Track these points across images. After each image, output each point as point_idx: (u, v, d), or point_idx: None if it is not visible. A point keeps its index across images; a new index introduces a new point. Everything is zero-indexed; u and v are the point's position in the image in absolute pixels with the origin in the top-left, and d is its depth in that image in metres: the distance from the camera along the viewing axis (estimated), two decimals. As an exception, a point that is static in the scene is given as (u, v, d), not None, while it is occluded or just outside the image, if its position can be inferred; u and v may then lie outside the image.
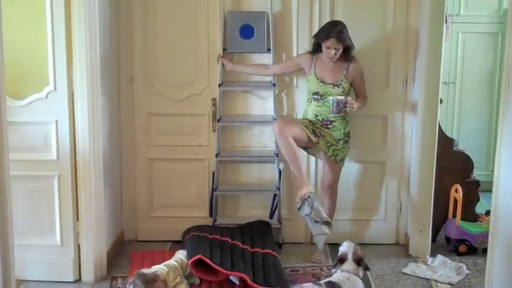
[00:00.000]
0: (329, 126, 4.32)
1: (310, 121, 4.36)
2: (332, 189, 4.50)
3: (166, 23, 4.65)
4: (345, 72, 4.30)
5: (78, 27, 3.88)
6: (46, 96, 3.91)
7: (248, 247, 4.27)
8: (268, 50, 4.56)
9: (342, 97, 4.21)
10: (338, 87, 4.28)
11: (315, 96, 4.34)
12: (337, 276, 3.50)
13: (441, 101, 4.58)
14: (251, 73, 4.65)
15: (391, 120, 4.72)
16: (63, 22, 3.83)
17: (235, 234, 4.43)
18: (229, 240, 4.27)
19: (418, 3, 4.49)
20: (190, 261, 3.89)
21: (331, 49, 4.21)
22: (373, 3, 4.59)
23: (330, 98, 4.23)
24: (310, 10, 4.53)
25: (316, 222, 4.06)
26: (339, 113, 4.24)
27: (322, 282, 3.47)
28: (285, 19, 4.59)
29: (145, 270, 3.67)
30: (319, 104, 4.32)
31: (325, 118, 4.31)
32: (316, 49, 4.35)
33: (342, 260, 3.54)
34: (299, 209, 4.20)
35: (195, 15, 4.63)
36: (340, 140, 4.35)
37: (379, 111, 4.66)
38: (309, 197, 4.14)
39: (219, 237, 4.27)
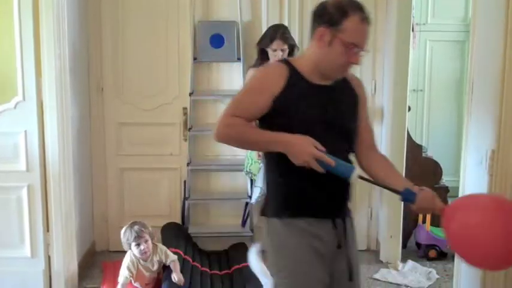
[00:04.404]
0: None
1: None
2: None
3: (137, 33, 4.65)
4: None
5: (46, 36, 3.85)
6: (15, 106, 3.87)
7: (227, 270, 4.27)
8: (239, 59, 4.59)
9: None
10: None
11: None
12: None
13: (409, 109, 4.66)
14: None
15: (361, 128, 4.76)
16: (32, 31, 3.80)
17: (214, 262, 4.42)
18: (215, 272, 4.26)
19: (385, 12, 4.56)
20: None
21: (277, 51, 4.13)
22: (341, 12, 4.64)
23: None
24: (279, 19, 4.54)
25: None
26: None
27: None
28: (255, 28, 4.61)
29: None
30: None
31: None
32: (262, 59, 4.23)
33: None
34: None
35: (165, 25, 4.65)
36: None
37: (348, 119, 4.70)
38: None
39: (199, 266, 4.22)
